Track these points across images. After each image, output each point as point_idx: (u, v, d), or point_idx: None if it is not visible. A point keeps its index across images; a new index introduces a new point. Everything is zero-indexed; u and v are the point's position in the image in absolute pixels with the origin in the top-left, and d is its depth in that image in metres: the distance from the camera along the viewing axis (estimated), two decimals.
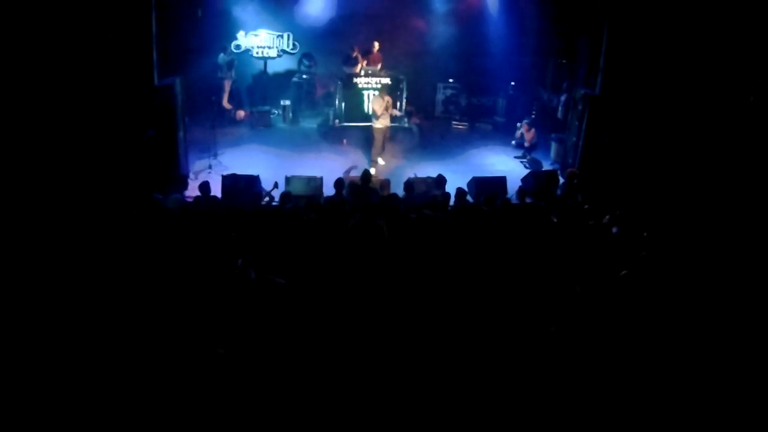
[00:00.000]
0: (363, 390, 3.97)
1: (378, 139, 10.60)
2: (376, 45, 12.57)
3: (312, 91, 13.30)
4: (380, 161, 10.71)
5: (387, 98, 10.60)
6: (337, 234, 6.14)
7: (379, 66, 12.48)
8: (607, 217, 6.60)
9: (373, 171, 10.04)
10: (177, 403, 3.69)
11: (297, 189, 8.49)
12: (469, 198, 8.29)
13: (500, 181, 9.27)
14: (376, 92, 11.25)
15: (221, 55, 12.53)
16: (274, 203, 7.80)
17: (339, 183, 7.95)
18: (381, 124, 10.55)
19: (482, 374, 4.13)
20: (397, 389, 3.98)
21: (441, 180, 8.42)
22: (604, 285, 5.29)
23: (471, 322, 4.63)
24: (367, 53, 12.53)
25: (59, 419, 3.61)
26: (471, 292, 4.98)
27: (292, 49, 13.13)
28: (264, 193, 8.18)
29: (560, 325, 4.55)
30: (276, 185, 8.08)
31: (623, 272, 5.39)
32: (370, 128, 10.81)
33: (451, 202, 7.81)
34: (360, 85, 12.06)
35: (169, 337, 4.26)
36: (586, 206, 7.49)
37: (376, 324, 4.57)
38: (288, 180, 8.75)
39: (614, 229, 6.33)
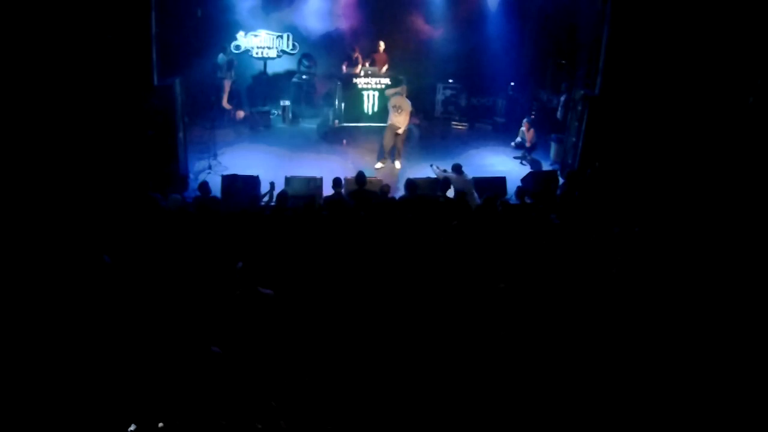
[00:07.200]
0: (358, 388, 3.98)
1: (385, 135, 10.49)
2: (382, 45, 12.54)
3: (312, 92, 13.29)
4: (379, 164, 10.54)
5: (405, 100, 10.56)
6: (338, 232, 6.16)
7: (384, 68, 12.45)
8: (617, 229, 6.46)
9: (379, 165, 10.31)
10: (170, 400, 3.70)
11: (297, 189, 8.48)
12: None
13: (500, 182, 9.28)
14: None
15: (221, 56, 12.51)
16: (272, 204, 7.79)
17: (337, 182, 7.93)
18: (391, 120, 10.45)
19: (479, 375, 4.13)
20: (393, 387, 3.99)
21: (446, 183, 8.39)
22: (602, 284, 5.30)
23: (468, 323, 4.63)
24: (371, 53, 12.51)
25: (54, 413, 3.61)
26: (469, 292, 4.99)
27: (291, 50, 13.12)
28: (262, 195, 8.17)
29: (561, 322, 4.55)
30: (273, 186, 8.06)
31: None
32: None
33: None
34: (360, 86, 12.06)
35: (164, 334, 4.27)
36: (584, 206, 7.50)
37: (371, 322, 4.58)
38: (288, 180, 8.74)
39: (615, 229, 6.32)
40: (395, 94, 10.63)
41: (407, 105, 10.53)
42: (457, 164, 8.93)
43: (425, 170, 9.82)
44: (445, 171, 9.02)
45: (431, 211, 7.17)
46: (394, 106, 10.43)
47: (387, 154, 10.60)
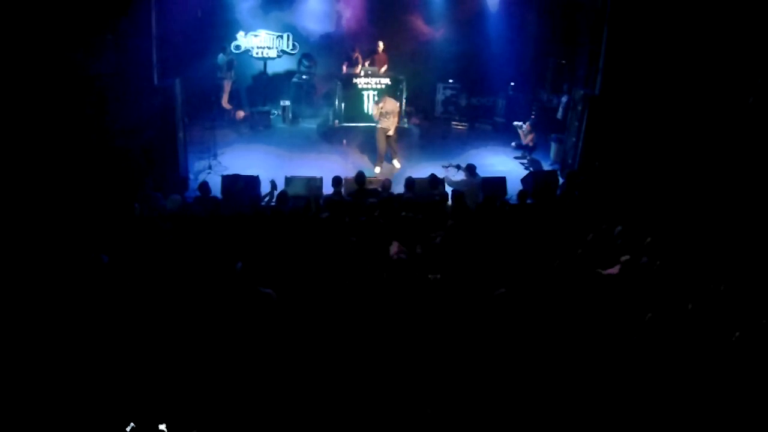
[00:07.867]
0: (358, 389, 3.97)
1: (378, 140, 10.51)
2: (381, 45, 12.54)
3: (312, 92, 13.30)
4: (378, 169, 10.54)
5: (390, 101, 10.53)
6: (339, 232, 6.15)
7: (384, 68, 12.45)
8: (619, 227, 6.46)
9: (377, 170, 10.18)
10: (168, 400, 3.70)
11: (297, 189, 8.47)
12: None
13: (500, 182, 9.27)
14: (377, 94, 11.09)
15: (221, 56, 12.53)
16: (272, 203, 7.78)
17: (337, 181, 7.92)
18: (381, 124, 10.45)
19: (481, 378, 4.13)
20: (393, 389, 3.99)
21: (435, 180, 8.41)
22: (602, 284, 5.30)
23: (469, 324, 4.63)
24: (371, 53, 12.52)
25: (53, 413, 3.61)
26: (470, 292, 4.98)
27: (291, 50, 13.13)
28: (263, 194, 8.16)
29: (561, 321, 4.55)
30: (275, 186, 8.05)
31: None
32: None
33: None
34: (360, 86, 12.06)
35: (163, 334, 4.27)
36: (584, 206, 7.50)
37: (372, 323, 4.57)
38: (288, 180, 8.74)
39: (617, 229, 6.32)
40: (381, 109, 10.45)
41: (394, 106, 10.53)
42: (471, 165, 8.98)
43: (425, 170, 9.76)
44: (458, 167, 9.04)
45: (426, 210, 7.17)
46: (382, 112, 10.45)
47: (383, 157, 10.64)
